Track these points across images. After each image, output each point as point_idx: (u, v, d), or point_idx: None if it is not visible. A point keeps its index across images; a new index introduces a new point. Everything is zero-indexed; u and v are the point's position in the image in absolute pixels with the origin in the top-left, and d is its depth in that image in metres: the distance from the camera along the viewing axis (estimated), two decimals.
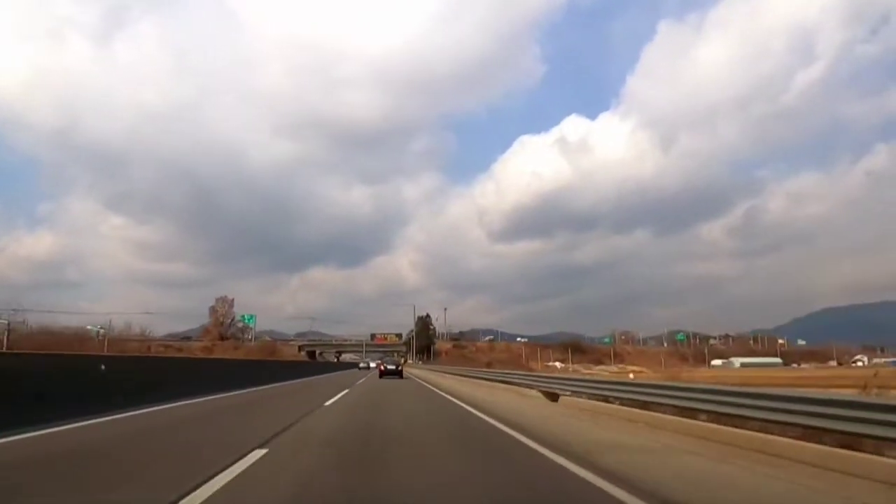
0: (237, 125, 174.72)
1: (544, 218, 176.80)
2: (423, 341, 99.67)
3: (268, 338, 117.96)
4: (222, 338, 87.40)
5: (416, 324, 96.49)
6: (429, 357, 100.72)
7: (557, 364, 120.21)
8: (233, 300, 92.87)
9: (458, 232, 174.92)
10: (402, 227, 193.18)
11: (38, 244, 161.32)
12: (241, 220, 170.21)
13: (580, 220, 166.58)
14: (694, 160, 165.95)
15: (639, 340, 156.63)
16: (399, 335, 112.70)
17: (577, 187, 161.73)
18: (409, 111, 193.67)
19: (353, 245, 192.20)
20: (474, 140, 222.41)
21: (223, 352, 77.90)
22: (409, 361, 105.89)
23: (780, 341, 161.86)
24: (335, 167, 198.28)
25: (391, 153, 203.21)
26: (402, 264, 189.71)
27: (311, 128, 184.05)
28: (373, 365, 53.83)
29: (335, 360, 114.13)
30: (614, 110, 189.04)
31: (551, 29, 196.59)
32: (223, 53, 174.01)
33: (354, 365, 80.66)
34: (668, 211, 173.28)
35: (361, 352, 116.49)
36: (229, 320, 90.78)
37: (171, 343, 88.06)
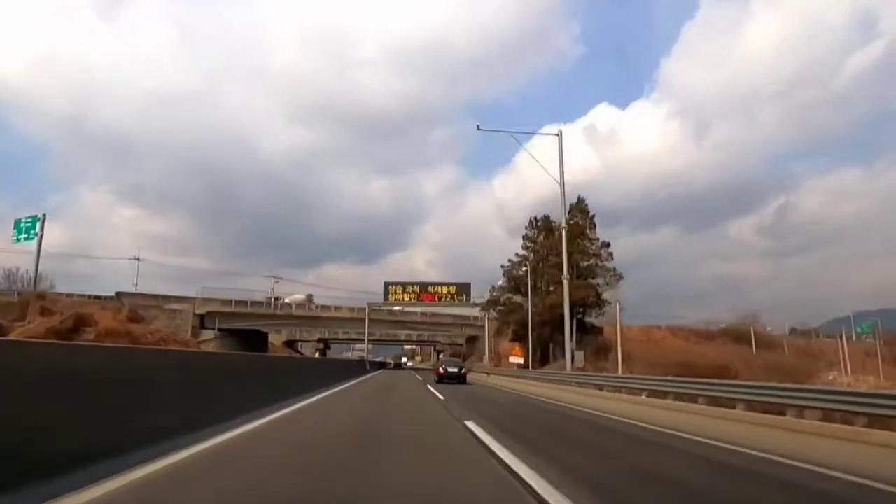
0: (250, 111, 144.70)
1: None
2: (581, 292, 28.59)
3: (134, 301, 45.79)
4: None
5: (568, 218, 25.77)
6: (598, 349, 30.19)
7: None
8: None
9: (476, 227, 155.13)
10: (420, 223, 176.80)
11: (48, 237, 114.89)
12: (258, 214, 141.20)
13: (604, 216, 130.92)
14: (728, 152, 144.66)
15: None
16: (461, 288, 42.09)
17: (602, 181, 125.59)
18: (431, 98, 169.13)
19: (370, 240, 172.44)
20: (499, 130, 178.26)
21: None
22: (527, 381, 31.54)
23: None
24: (352, 159, 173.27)
25: (410, 144, 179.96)
26: (418, 262, 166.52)
27: (326, 115, 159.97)
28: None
29: (315, 353, 52.71)
30: (647, 98, 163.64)
31: (589, 6, 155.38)
32: (234, 33, 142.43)
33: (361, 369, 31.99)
34: (698, 207, 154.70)
35: (363, 337, 45.84)
36: None
37: None
